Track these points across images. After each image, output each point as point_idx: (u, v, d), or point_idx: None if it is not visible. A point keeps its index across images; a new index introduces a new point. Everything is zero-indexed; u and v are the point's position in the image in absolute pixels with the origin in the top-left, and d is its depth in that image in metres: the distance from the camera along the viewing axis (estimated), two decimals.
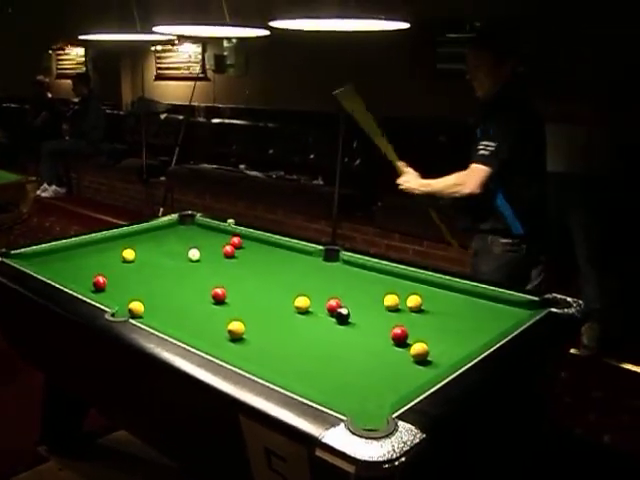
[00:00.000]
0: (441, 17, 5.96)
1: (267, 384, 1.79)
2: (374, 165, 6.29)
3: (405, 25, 2.80)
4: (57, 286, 2.57)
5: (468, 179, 3.22)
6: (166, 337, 2.09)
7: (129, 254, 3.08)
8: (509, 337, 2.15)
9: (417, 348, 2.07)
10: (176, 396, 2.07)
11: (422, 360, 2.06)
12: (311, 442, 1.55)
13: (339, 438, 1.53)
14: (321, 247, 3.18)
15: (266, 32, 3.58)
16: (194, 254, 3.09)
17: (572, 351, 3.69)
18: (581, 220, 4.32)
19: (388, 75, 6.37)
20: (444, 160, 5.44)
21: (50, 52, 11.14)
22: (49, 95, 10.47)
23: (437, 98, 6.02)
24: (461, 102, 5.78)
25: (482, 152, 3.18)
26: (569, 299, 2.46)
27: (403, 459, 1.48)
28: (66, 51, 10.92)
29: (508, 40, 3.54)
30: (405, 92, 6.32)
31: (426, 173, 3.42)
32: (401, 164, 3.49)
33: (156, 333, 2.12)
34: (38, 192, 8.26)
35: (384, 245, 5.83)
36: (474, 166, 3.21)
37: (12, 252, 2.99)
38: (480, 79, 3.38)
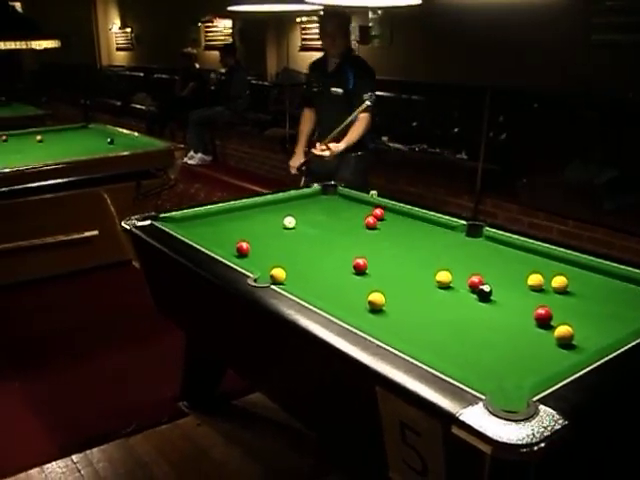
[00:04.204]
0: None
1: (405, 357, 1.77)
2: (520, 140, 6.10)
3: None
4: (202, 249, 2.64)
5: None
6: (307, 305, 2.11)
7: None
8: None
9: (562, 330, 1.98)
10: (313, 363, 2.10)
11: (566, 343, 1.97)
12: (448, 419, 1.53)
13: (477, 417, 1.50)
14: (464, 222, 3.11)
15: (418, 1, 3.51)
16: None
17: None
18: None
19: (538, 47, 6.13)
20: (594, 137, 5.24)
21: (199, 24, 11.46)
22: (197, 66, 10.80)
23: (592, 70, 5.74)
24: (619, 74, 5.52)
25: (367, 103, 4.33)
26: None
27: (542, 445, 1.43)
28: (214, 23, 11.19)
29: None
30: (557, 64, 6.06)
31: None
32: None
33: (297, 300, 2.15)
34: (185, 159, 8.60)
35: (527, 223, 5.64)
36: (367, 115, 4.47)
37: (160, 215, 3.11)
38: (337, 41, 4.54)
